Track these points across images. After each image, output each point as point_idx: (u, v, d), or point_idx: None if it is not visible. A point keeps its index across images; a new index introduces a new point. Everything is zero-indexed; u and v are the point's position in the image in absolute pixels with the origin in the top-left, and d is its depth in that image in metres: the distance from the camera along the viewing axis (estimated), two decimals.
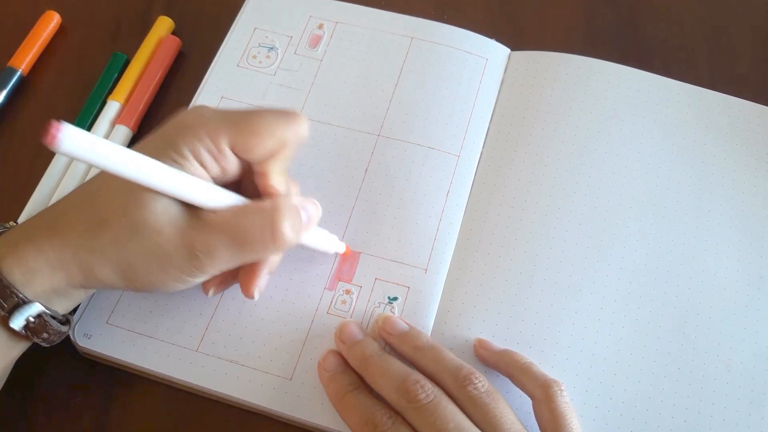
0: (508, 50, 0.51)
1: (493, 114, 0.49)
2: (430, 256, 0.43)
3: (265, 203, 0.35)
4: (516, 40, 0.52)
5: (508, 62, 0.51)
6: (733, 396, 0.39)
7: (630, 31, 0.54)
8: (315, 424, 0.38)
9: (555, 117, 0.48)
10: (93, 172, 0.46)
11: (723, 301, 0.42)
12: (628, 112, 0.48)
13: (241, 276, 0.38)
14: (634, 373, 0.40)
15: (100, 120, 0.48)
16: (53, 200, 0.45)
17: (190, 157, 0.34)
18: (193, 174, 0.34)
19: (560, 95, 0.49)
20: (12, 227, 0.36)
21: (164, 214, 0.33)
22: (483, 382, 0.36)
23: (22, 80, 0.50)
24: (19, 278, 0.33)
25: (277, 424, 0.39)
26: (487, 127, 0.48)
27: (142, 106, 0.49)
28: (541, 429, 0.36)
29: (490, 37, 0.51)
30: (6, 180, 0.47)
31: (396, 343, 0.39)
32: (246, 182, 0.38)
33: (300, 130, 0.36)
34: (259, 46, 0.51)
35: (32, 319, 0.34)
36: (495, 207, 0.45)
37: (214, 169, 0.35)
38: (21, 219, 0.44)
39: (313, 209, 0.37)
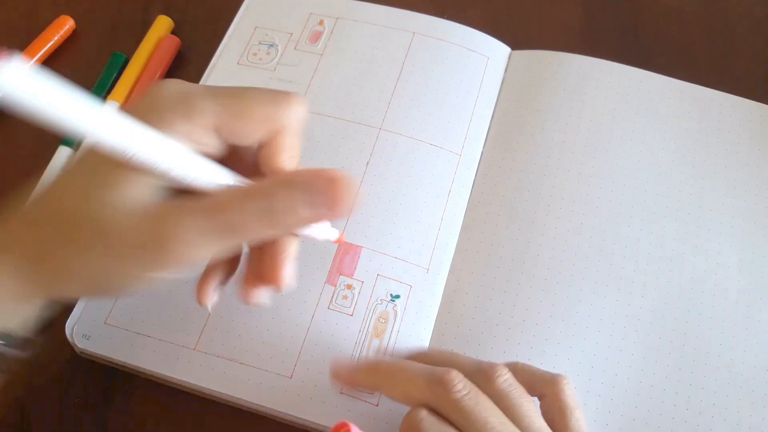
0: (508, 49, 0.51)
1: (493, 113, 0.49)
2: (432, 256, 0.42)
3: (267, 180, 0.30)
4: (516, 40, 0.52)
5: (508, 61, 0.51)
6: (735, 396, 0.39)
7: (630, 31, 0.54)
8: (315, 423, 0.37)
9: (556, 116, 0.48)
10: None
11: (725, 301, 0.42)
12: (629, 110, 0.48)
13: (267, 270, 0.32)
14: (635, 373, 0.40)
15: None
16: None
17: (180, 135, 0.29)
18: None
19: (561, 95, 0.49)
20: None
21: (133, 210, 0.28)
22: (509, 374, 0.34)
23: None
24: None
25: (276, 423, 0.39)
26: (488, 126, 0.48)
27: None
28: (548, 423, 0.34)
29: (491, 35, 0.51)
30: (5, 181, 0.47)
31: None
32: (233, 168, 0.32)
33: (298, 112, 0.31)
34: (260, 43, 0.50)
35: None
36: (495, 207, 0.45)
37: (199, 150, 0.30)
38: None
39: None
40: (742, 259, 0.43)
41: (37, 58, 0.50)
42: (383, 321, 0.40)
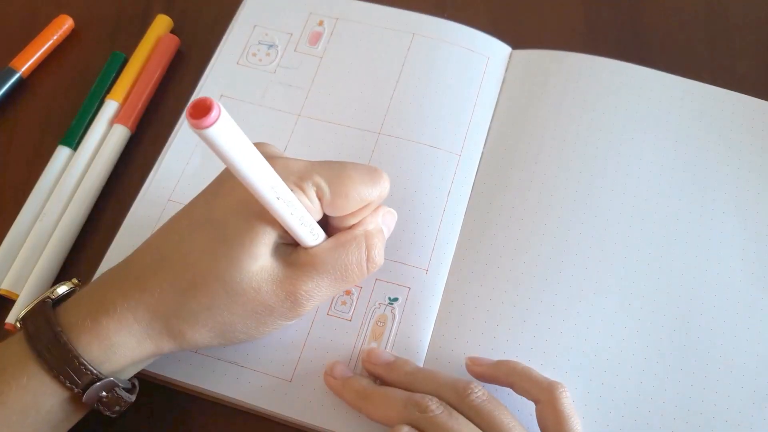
0: (509, 48, 0.51)
1: (494, 113, 0.48)
2: (431, 257, 0.42)
3: (357, 232, 0.36)
4: (516, 39, 0.52)
5: (509, 61, 0.51)
6: (736, 397, 0.39)
7: (630, 29, 0.54)
8: (315, 426, 0.37)
9: (556, 116, 0.48)
10: (93, 177, 0.45)
11: (726, 301, 0.42)
12: (630, 108, 0.48)
13: None
14: (636, 374, 0.40)
15: (97, 119, 0.48)
16: (46, 211, 0.44)
17: (298, 192, 0.33)
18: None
19: (561, 93, 0.48)
20: (79, 288, 0.35)
21: (261, 272, 0.32)
22: (482, 391, 0.36)
23: (20, 81, 0.50)
24: (97, 355, 0.32)
25: (276, 425, 0.39)
26: (488, 126, 0.48)
27: (140, 106, 0.48)
28: (542, 429, 0.36)
29: (491, 35, 0.51)
30: (3, 181, 0.47)
31: (384, 373, 0.38)
32: None
33: (384, 191, 0.36)
34: (259, 43, 0.50)
35: (105, 394, 0.33)
36: (496, 208, 0.45)
37: None
38: (20, 215, 0.44)
39: (390, 220, 0.38)
40: (743, 258, 0.43)
41: (36, 57, 0.51)
42: (381, 324, 0.40)
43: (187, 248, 0.33)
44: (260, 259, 0.32)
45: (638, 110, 0.48)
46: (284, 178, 0.31)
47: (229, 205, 0.32)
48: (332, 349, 0.39)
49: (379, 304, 0.41)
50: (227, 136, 0.23)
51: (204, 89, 0.48)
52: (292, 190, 0.32)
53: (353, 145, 0.46)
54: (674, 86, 0.49)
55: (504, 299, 0.42)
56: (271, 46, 0.50)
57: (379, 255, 0.36)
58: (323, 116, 0.47)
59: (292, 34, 0.51)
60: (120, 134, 0.47)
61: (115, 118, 0.48)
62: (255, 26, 0.51)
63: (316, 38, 0.51)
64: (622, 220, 0.44)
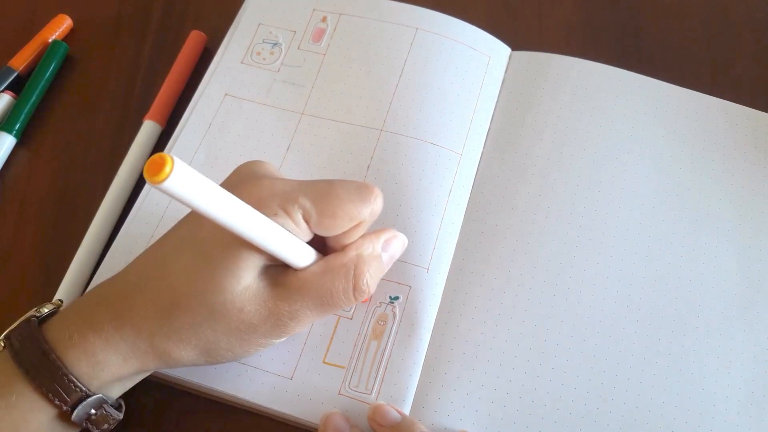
0: (509, 50, 0.51)
1: (494, 113, 0.48)
2: (432, 255, 0.43)
3: (349, 259, 0.34)
4: (516, 40, 0.52)
5: (508, 62, 0.51)
6: (734, 397, 0.39)
7: (630, 32, 0.53)
8: (315, 424, 0.38)
9: (555, 119, 0.48)
10: (124, 174, 0.46)
11: (723, 302, 0.42)
12: (627, 115, 0.48)
13: None
14: (635, 374, 0.40)
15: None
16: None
17: (283, 215, 0.33)
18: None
19: (560, 97, 0.48)
20: (61, 308, 0.35)
21: (243, 293, 0.32)
22: None
23: (18, 80, 0.50)
24: (85, 371, 0.32)
25: (277, 423, 0.39)
26: (488, 126, 0.48)
27: (170, 101, 0.49)
28: None
29: (491, 35, 0.51)
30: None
31: None
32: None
33: (376, 208, 0.35)
34: (263, 42, 0.50)
35: (94, 411, 0.33)
36: (495, 207, 0.45)
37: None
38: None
39: (397, 246, 0.37)
40: (740, 261, 0.43)
41: (34, 56, 0.51)
42: (382, 323, 0.40)
43: (171, 268, 0.33)
44: (244, 280, 0.32)
45: (636, 117, 0.48)
46: (268, 202, 0.32)
47: (214, 226, 0.31)
48: (332, 348, 0.40)
49: (380, 302, 0.41)
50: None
51: (208, 89, 0.48)
52: (275, 214, 0.32)
53: (356, 143, 0.46)
54: (671, 94, 0.49)
55: (503, 299, 0.42)
56: (275, 44, 0.50)
57: (368, 284, 0.34)
58: (326, 114, 0.47)
59: (295, 32, 0.51)
60: (150, 130, 0.48)
61: (146, 115, 0.48)
62: (260, 24, 0.51)
63: (319, 35, 0.51)
64: (620, 222, 0.44)
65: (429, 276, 0.42)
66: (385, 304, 0.41)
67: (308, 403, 0.38)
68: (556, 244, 0.43)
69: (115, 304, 0.33)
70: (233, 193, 0.28)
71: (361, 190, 0.34)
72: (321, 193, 0.33)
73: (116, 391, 0.34)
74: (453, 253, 0.43)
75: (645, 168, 0.46)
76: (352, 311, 0.41)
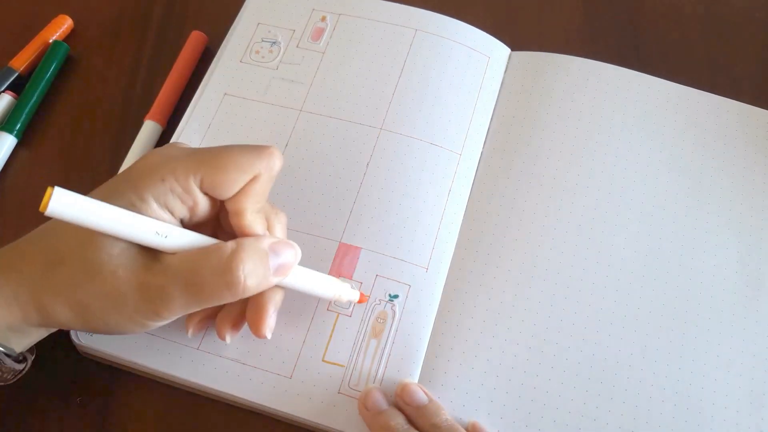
0: (508, 50, 0.51)
1: (493, 113, 0.48)
2: (431, 255, 0.43)
3: (226, 244, 0.33)
4: (516, 40, 0.51)
5: (508, 62, 0.51)
6: (734, 396, 0.39)
7: (630, 31, 0.54)
8: (315, 423, 0.38)
9: (554, 119, 0.48)
10: None
11: (722, 301, 0.42)
12: (627, 114, 0.48)
13: (249, 316, 0.37)
14: (635, 373, 0.40)
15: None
16: None
17: (150, 200, 0.32)
18: (151, 216, 0.33)
19: (560, 97, 0.49)
20: None
21: (120, 256, 0.32)
22: (446, 417, 0.36)
23: (19, 81, 0.50)
24: None
25: (276, 422, 0.39)
26: (487, 126, 0.48)
27: (170, 101, 0.49)
28: None
29: (491, 35, 0.51)
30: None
31: (414, 416, 0.37)
32: (225, 222, 0.37)
33: (272, 163, 0.34)
34: (262, 41, 0.50)
35: None
36: (495, 207, 0.45)
37: (181, 210, 0.34)
38: None
39: (288, 253, 0.35)
40: (739, 260, 0.43)
41: (35, 56, 0.51)
42: (381, 321, 0.40)
43: (64, 226, 0.32)
44: (121, 242, 0.32)
45: (635, 115, 0.48)
46: (158, 168, 0.33)
47: (105, 191, 0.32)
48: (332, 347, 0.40)
49: (379, 300, 0.41)
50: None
51: (208, 89, 0.48)
52: (163, 179, 0.33)
53: (355, 140, 0.46)
54: (671, 92, 0.49)
55: (503, 298, 0.42)
56: (273, 43, 0.50)
57: (244, 275, 0.32)
58: (325, 111, 0.47)
59: (294, 31, 0.51)
60: (151, 130, 0.48)
61: (146, 115, 0.48)
62: (259, 23, 0.51)
63: (318, 34, 0.51)
64: (620, 221, 0.44)
65: (428, 275, 0.42)
66: (385, 302, 0.41)
67: (307, 402, 0.38)
68: (556, 243, 0.43)
69: (7, 253, 0.33)
70: (134, 167, 0.33)
71: (257, 147, 0.34)
72: (213, 153, 0.34)
73: (14, 343, 0.34)
74: (452, 253, 0.43)
75: (645, 166, 0.46)
76: (351, 309, 0.41)
